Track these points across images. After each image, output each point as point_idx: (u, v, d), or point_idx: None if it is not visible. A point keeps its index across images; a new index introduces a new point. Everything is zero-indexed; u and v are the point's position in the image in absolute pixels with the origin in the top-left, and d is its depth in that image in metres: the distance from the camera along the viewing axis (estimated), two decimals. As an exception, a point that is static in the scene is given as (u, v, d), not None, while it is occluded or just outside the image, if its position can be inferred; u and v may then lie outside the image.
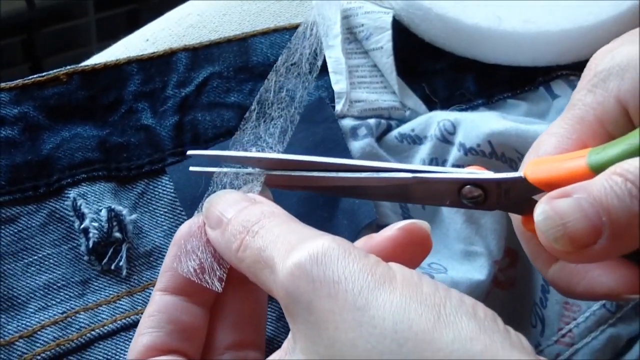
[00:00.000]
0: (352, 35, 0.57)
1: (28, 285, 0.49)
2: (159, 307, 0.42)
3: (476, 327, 0.32)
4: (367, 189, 0.44)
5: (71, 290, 0.49)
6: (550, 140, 0.42)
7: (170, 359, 0.41)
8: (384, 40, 0.56)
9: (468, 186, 0.42)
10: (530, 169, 0.40)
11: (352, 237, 0.46)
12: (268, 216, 0.39)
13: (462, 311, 0.32)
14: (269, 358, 0.38)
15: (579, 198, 0.36)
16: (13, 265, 0.49)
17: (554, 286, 0.43)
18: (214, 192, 0.44)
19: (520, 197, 0.41)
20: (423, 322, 0.32)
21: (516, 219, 0.44)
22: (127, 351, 0.48)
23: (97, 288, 0.50)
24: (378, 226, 0.49)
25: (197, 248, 0.42)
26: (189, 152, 0.46)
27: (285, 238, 0.37)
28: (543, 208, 0.37)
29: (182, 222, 0.51)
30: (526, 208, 0.41)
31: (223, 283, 0.42)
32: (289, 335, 0.37)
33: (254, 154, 0.46)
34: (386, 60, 0.56)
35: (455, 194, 0.42)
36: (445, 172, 0.42)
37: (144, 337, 0.41)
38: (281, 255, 0.36)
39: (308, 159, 0.44)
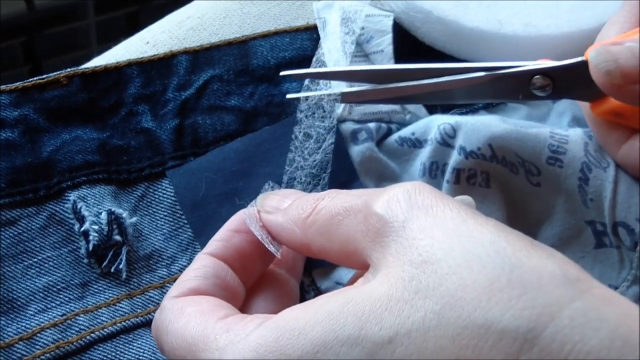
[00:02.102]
0: (351, 39, 0.57)
1: (28, 287, 0.49)
2: (205, 263, 0.43)
3: (564, 259, 0.33)
4: (441, 93, 0.48)
5: (71, 293, 0.49)
6: (611, 28, 0.48)
7: (220, 301, 0.40)
8: (385, 44, 0.56)
9: (537, 76, 0.46)
10: (591, 52, 0.44)
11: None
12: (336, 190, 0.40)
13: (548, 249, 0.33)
14: (339, 290, 0.37)
15: (630, 45, 0.43)
16: (13, 267, 0.49)
17: (624, 166, 0.49)
18: (303, 113, 0.51)
19: (585, 82, 0.45)
20: (519, 244, 0.32)
21: (585, 106, 0.49)
22: (127, 353, 0.48)
23: (96, 290, 0.50)
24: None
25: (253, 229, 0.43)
26: (282, 73, 0.52)
27: (368, 191, 0.38)
28: (597, 50, 0.43)
29: (182, 226, 0.52)
30: (593, 94, 0.46)
31: (279, 252, 0.43)
32: (363, 275, 0.36)
33: (337, 68, 0.53)
34: (387, 64, 0.56)
35: (526, 85, 0.47)
36: (514, 67, 0.47)
37: (189, 282, 0.41)
38: (372, 197, 0.36)
39: (384, 68, 0.50)
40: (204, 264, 0.42)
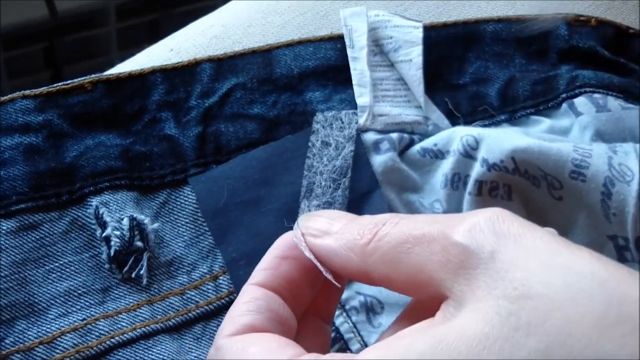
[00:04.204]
0: (377, 48, 0.57)
1: (49, 291, 0.49)
2: (256, 296, 0.39)
3: None
4: None
5: (91, 298, 0.49)
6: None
7: (283, 339, 0.38)
8: (414, 54, 0.56)
9: None
10: None
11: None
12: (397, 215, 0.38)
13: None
14: (413, 326, 0.35)
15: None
16: (34, 271, 0.49)
17: None
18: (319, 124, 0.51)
19: None
20: (619, 274, 0.31)
21: None
22: (146, 359, 0.48)
23: (117, 296, 0.50)
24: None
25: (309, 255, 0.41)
26: None
27: (437, 218, 0.36)
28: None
29: (203, 233, 0.52)
30: None
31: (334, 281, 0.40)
32: (441, 309, 0.34)
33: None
34: (414, 73, 0.56)
35: None
36: None
37: (243, 317, 0.38)
38: (448, 225, 0.34)
39: None
40: (255, 297, 0.39)
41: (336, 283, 0.39)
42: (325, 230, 0.39)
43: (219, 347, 0.38)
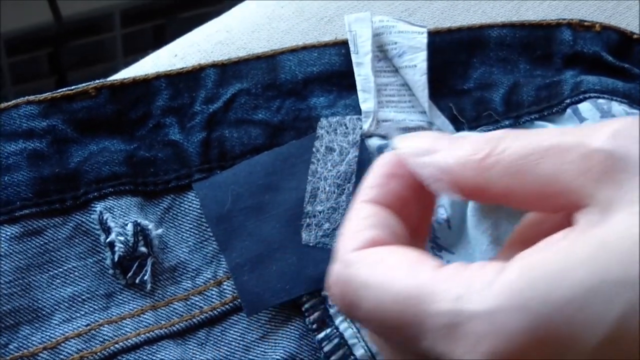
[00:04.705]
0: (381, 54, 0.57)
1: (53, 297, 0.49)
2: (372, 212, 0.38)
3: None
4: None
5: (95, 303, 0.49)
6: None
7: (421, 251, 0.36)
8: (419, 60, 0.56)
9: None
10: None
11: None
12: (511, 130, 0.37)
13: None
14: (556, 235, 0.34)
15: None
16: (38, 277, 0.49)
17: None
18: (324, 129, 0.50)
19: None
20: None
21: None
22: (150, 365, 0.48)
23: (121, 301, 0.50)
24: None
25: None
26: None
27: (568, 129, 0.35)
28: None
29: (207, 239, 0.52)
30: None
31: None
32: (579, 218, 0.34)
33: None
34: (419, 78, 0.56)
35: None
36: None
37: (365, 232, 0.37)
38: (583, 134, 0.34)
39: None
40: (371, 213, 0.38)
41: (455, 197, 0.37)
42: (429, 148, 0.38)
43: (349, 262, 0.36)
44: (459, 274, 0.33)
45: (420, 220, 0.40)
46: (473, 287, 0.32)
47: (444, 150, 0.37)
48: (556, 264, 0.31)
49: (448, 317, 0.32)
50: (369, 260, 0.35)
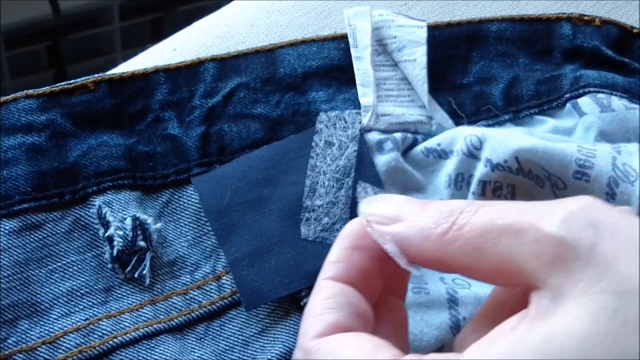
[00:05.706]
0: (381, 48, 0.57)
1: (51, 291, 0.49)
2: (335, 291, 0.38)
3: None
4: None
5: (94, 298, 0.49)
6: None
7: (375, 339, 0.37)
8: (418, 54, 0.56)
9: None
10: None
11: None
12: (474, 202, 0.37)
13: None
14: (509, 321, 0.35)
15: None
16: (37, 271, 0.49)
17: None
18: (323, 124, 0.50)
19: None
20: None
21: None
22: (148, 359, 0.48)
23: (120, 296, 0.50)
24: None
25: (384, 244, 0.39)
26: None
27: (523, 207, 0.35)
28: None
29: (206, 233, 0.52)
30: None
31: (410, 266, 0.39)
32: (533, 301, 0.34)
33: None
34: (418, 72, 0.55)
35: None
36: None
37: (326, 316, 0.37)
38: (538, 216, 0.34)
39: None
40: (333, 292, 0.38)
41: (413, 270, 0.38)
42: (393, 217, 0.38)
43: (309, 350, 0.37)
44: None
45: (397, 278, 0.41)
46: None
47: (407, 221, 0.38)
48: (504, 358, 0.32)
49: None
50: (326, 350, 0.36)
